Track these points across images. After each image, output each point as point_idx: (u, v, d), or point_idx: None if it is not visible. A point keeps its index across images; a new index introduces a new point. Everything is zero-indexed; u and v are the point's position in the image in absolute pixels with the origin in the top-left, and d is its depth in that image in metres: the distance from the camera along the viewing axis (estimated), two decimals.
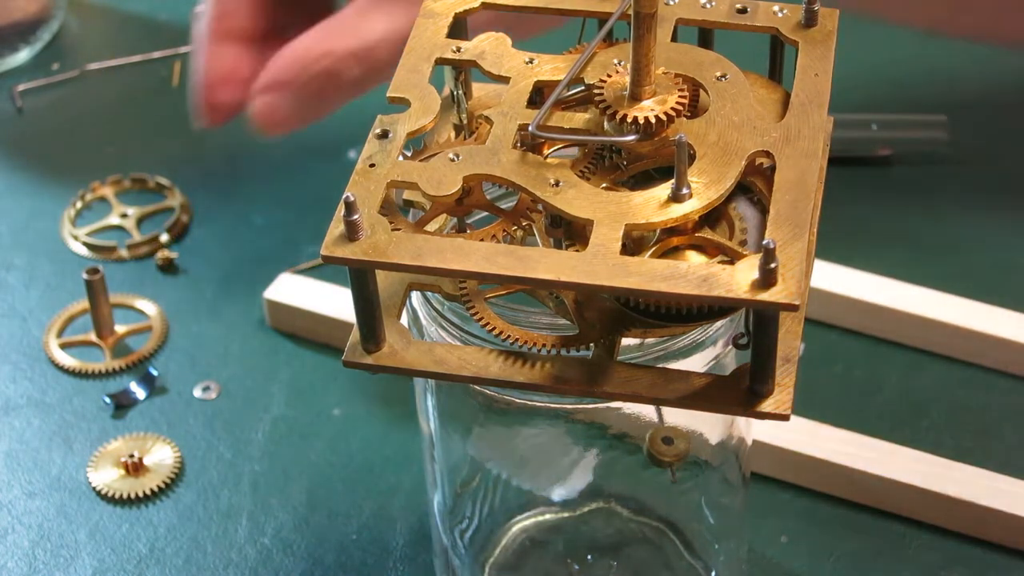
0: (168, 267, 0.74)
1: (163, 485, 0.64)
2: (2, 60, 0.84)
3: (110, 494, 0.64)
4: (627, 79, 0.48)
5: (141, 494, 0.64)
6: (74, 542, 0.63)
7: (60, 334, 0.70)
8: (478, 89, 0.53)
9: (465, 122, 0.52)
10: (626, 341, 0.48)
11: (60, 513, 0.64)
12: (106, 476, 0.64)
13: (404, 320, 0.49)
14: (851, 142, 0.77)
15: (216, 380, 0.68)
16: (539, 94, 0.50)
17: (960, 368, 0.68)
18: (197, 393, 0.68)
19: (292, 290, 0.70)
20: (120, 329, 0.70)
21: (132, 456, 0.64)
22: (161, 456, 0.65)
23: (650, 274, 0.44)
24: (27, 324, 0.71)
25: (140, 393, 0.68)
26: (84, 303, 0.70)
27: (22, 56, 0.85)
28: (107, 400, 0.67)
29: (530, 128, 0.48)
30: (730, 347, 0.50)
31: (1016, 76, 0.82)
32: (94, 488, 0.64)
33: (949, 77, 0.82)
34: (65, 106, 0.83)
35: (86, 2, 0.89)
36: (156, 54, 0.85)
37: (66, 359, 0.69)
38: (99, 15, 0.89)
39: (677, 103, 0.48)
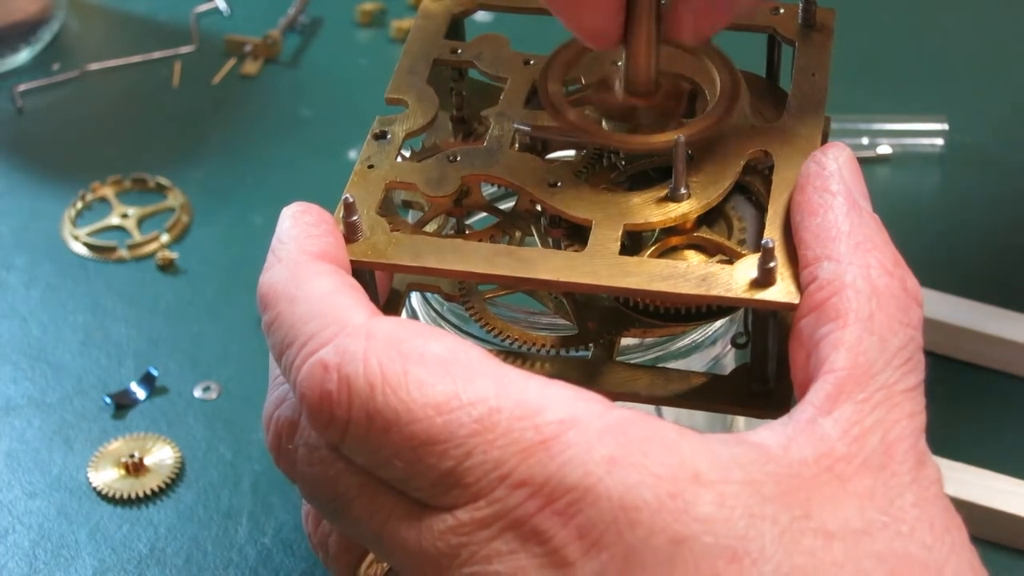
0: (168, 267, 0.74)
1: (163, 485, 0.64)
2: (2, 60, 0.84)
3: (110, 494, 0.64)
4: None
5: (141, 494, 0.64)
6: (74, 542, 0.63)
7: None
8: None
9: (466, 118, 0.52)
10: (625, 341, 0.48)
11: (60, 513, 0.64)
12: (106, 476, 0.64)
13: None
14: (850, 143, 0.77)
15: (216, 380, 0.68)
16: (537, 94, 0.50)
17: (960, 368, 0.68)
18: (197, 393, 0.68)
19: None
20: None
21: (132, 456, 0.64)
22: (161, 456, 0.65)
23: (649, 274, 0.44)
24: (27, 324, 0.71)
25: (140, 393, 0.68)
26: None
27: (22, 56, 0.85)
28: (107, 400, 0.67)
29: (516, 125, 0.48)
30: (729, 347, 0.50)
31: (1016, 76, 0.82)
32: (94, 488, 0.64)
33: (949, 77, 0.82)
34: (65, 106, 0.83)
35: (86, 2, 0.89)
36: (156, 54, 0.85)
37: None
38: (99, 15, 0.89)
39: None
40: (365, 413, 0.40)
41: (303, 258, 0.44)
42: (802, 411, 0.41)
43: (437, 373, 0.40)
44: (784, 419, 0.42)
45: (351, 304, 0.43)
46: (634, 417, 0.40)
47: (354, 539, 0.45)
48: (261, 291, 0.45)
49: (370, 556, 0.46)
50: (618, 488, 0.38)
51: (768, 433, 0.41)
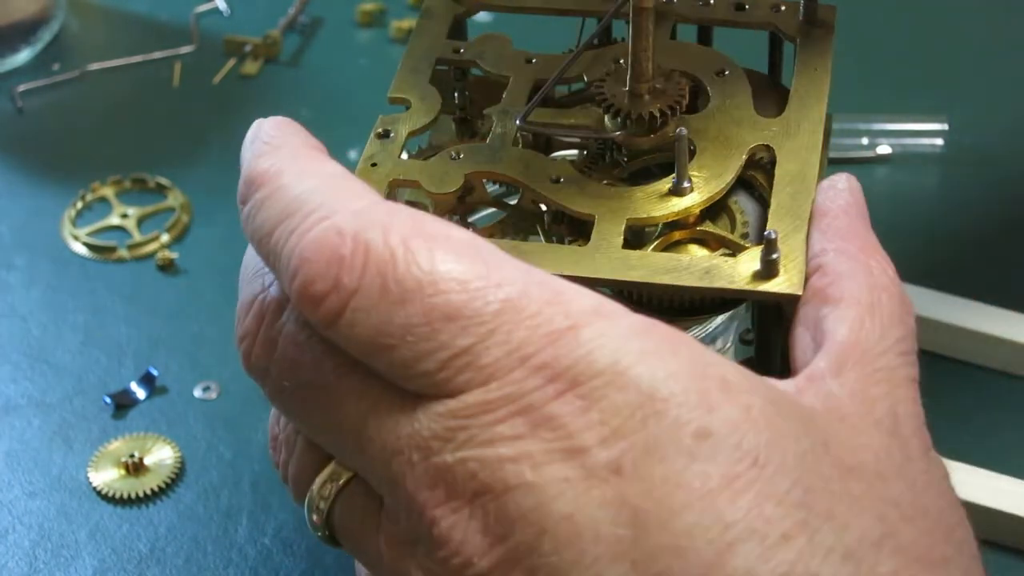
0: (168, 267, 0.74)
1: (163, 485, 0.64)
2: (2, 60, 0.84)
3: (110, 494, 0.64)
4: (627, 76, 0.48)
5: (141, 494, 0.64)
6: (74, 542, 0.63)
7: None
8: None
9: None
10: None
11: (60, 513, 0.64)
12: (106, 476, 0.64)
13: None
14: (850, 143, 0.77)
15: (216, 380, 0.68)
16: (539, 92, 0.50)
17: (960, 368, 0.68)
18: (197, 393, 0.68)
19: None
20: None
21: (132, 456, 0.64)
22: (161, 456, 0.65)
23: (653, 267, 0.44)
24: (27, 324, 0.71)
25: (140, 393, 0.68)
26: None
27: (22, 56, 0.85)
28: (107, 400, 0.67)
29: (516, 121, 0.48)
30: (731, 344, 0.50)
31: (1016, 76, 0.82)
32: (94, 488, 0.64)
33: (949, 77, 0.82)
34: (65, 106, 0.83)
35: (86, 2, 0.89)
36: (156, 54, 0.85)
37: None
38: (99, 15, 0.89)
39: (677, 98, 0.48)
40: (380, 282, 0.38)
41: (306, 146, 0.42)
42: (807, 372, 0.41)
43: (464, 253, 0.39)
44: (788, 380, 0.41)
45: (368, 188, 0.41)
46: (661, 323, 0.39)
47: (321, 441, 0.42)
48: (252, 173, 0.42)
49: (324, 472, 0.43)
50: (648, 377, 0.37)
51: (776, 382, 0.41)
